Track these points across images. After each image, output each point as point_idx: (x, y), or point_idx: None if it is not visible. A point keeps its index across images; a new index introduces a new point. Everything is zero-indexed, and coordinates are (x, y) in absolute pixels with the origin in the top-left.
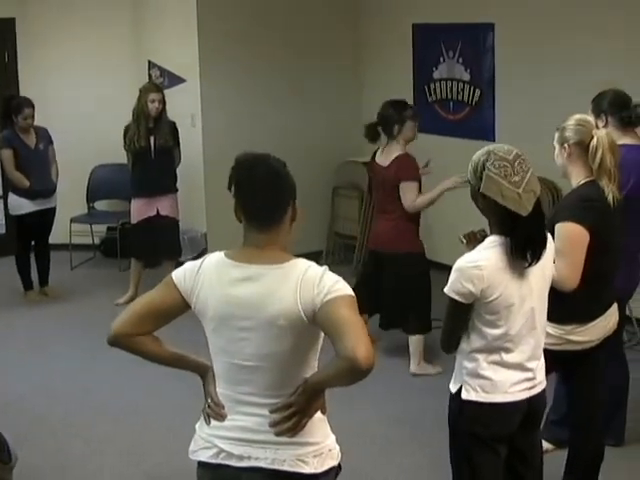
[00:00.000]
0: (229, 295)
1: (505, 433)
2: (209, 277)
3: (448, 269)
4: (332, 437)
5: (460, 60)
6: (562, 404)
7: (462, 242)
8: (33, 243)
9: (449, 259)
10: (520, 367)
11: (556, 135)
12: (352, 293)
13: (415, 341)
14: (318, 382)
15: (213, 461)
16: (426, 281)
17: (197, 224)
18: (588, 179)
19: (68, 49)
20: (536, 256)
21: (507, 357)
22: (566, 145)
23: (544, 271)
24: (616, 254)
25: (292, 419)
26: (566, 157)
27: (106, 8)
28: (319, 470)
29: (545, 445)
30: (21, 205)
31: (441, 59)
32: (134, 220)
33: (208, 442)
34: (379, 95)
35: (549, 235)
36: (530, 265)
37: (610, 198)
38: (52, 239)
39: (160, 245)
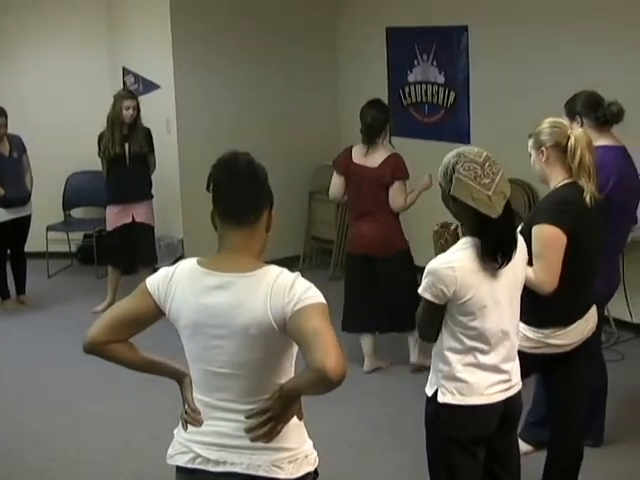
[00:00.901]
0: (201, 304)
1: (482, 435)
2: (182, 285)
3: (420, 270)
4: (309, 443)
5: (434, 63)
6: (541, 406)
7: (435, 226)
8: (9, 252)
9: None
10: (495, 369)
11: (530, 141)
12: (323, 301)
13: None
14: (292, 389)
15: (190, 466)
16: (415, 275)
17: (173, 230)
18: (567, 181)
19: (42, 56)
20: (507, 258)
21: (482, 359)
22: (543, 149)
23: (516, 273)
24: (595, 256)
25: (268, 425)
26: (543, 161)
27: (80, 16)
28: (294, 476)
29: (525, 447)
30: None
31: (415, 62)
32: (109, 227)
33: (185, 447)
34: (354, 100)
35: (521, 237)
36: (501, 267)
37: (588, 198)
38: (29, 247)
39: (136, 252)
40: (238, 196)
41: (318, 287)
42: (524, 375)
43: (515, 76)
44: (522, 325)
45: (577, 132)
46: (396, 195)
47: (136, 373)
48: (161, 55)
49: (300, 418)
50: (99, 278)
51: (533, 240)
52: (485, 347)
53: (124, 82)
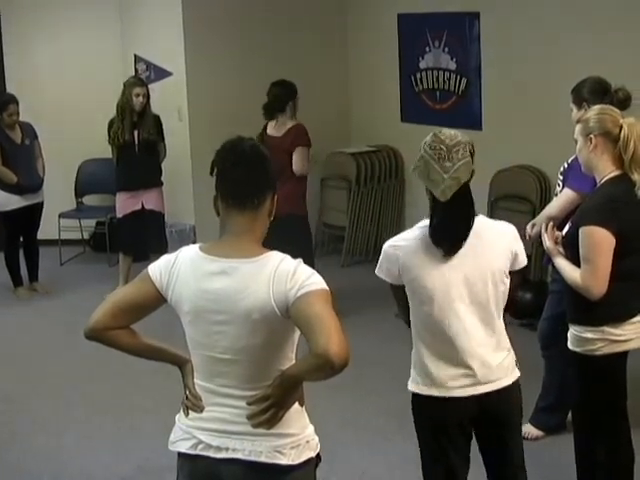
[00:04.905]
0: (203, 289)
1: (449, 427)
2: (184, 271)
3: None
4: (310, 428)
5: (446, 49)
6: (550, 392)
7: None
8: (21, 239)
9: None
10: (458, 363)
11: (578, 127)
12: (326, 287)
13: None
14: (293, 375)
15: (192, 452)
16: (308, 243)
17: (185, 217)
18: (614, 174)
19: (54, 44)
20: (452, 247)
21: (443, 349)
22: (591, 136)
23: (488, 265)
24: None
25: (269, 411)
26: (591, 150)
27: (92, 2)
28: (296, 461)
29: (535, 432)
30: (9, 201)
31: (427, 49)
32: (119, 214)
33: (187, 433)
34: (366, 86)
35: (505, 231)
36: (447, 254)
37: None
38: (41, 235)
39: (147, 239)
40: (242, 180)
41: (330, 274)
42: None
43: (527, 63)
44: (578, 328)
45: (629, 121)
46: (297, 160)
47: (146, 360)
48: (172, 42)
49: (301, 404)
50: (111, 266)
51: (580, 242)
52: (446, 338)
53: (136, 69)
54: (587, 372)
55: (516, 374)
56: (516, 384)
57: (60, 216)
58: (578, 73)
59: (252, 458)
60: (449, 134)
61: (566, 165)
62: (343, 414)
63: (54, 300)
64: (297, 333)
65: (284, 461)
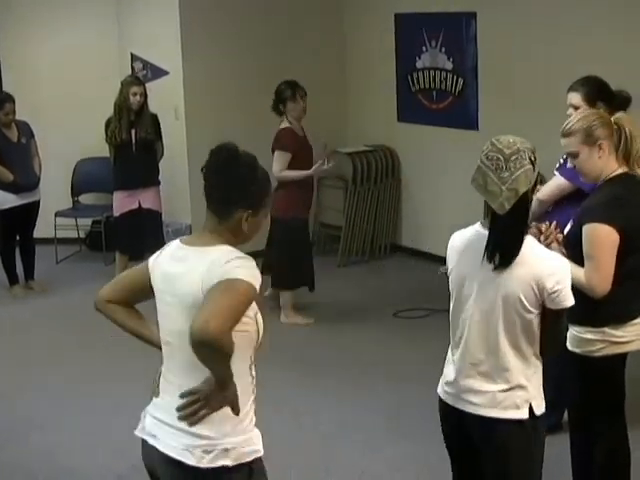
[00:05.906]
0: (162, 272)
1: (443, 426)
2: (162, 258)
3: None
4: (239, 438)
5: (443, 49)
6: (547, 392)
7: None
8: (18, 237)
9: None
10: (451, 369)
11: (577, 138)
12: (251, 282)
13: (285, 295)
14: (210, 369)
15: (140, 435)
16: (297, 246)
17: (181, 216)
18: (617, 172)
19: (51, 43)
20: (503, 261)
21: (451, 349)
22: (601, 142)
23: (501, 286)
24: None
25: (192, 406)
26: (600, 156)
27: (89, 1)
28: (205, 466)
29: None
30: (5, 199)
31: (424, 48)
32: (117, 213)
33: (143, 417)
34: (363, 86)
35: (540, 259)
36: (497, 268)
37: None
38: (37, 233)
39: (144, 238)
40: (213, 186)
41: (326, 274)
42: (614, 392)
43: (523, 63)
44: (579, 328)
45: (623, 117)
46: (273, 163)
47: (145, 358)
48: (169, 41)
49: (236, 412)
50: (107, 265)
51: (584, 240)
52: (452, 338)
53: (132, 68)
54: (586, 373)
55: (514, 415)
56: (510, 425)
57: (56, 215)
58: (576, 73)
59: (165, 450)
60: (507, 142)
61: (562, 160)
62: (342, 413)
63: (50, 298)
64: (241, 332)
65: (190, 461)
